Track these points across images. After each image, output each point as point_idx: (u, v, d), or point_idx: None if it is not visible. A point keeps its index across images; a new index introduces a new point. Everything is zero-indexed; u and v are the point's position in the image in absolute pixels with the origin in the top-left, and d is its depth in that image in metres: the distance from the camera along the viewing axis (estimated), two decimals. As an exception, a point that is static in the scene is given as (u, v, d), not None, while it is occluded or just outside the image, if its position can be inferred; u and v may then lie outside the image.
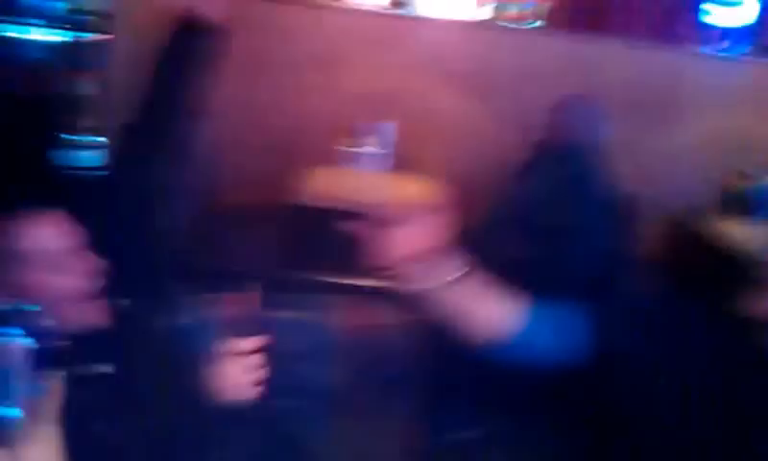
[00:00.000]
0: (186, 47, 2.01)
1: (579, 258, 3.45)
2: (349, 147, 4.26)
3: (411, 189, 4.04)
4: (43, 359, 1.52)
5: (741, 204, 4.46)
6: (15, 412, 1.47)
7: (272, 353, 1.77)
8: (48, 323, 1.54)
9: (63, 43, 4.07)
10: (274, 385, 1.76)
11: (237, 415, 1.74)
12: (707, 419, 1.60)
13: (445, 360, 3.02)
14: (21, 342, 1.47)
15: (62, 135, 3.99)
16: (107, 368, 1.71)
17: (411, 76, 4.49)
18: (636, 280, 3.69)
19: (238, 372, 1.73)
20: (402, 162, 4.32)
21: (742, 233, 4.17)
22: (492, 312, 1.60)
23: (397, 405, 2.17)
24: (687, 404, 1.61)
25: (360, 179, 4.13)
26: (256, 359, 1.74)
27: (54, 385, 1.63)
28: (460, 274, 1.55)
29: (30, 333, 1.48)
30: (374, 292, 2.14)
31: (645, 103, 4.58)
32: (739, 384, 1.60)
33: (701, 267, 4.40)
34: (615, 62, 4.52)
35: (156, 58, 2.02)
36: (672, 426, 1.63)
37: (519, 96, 4.49)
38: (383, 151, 4.25)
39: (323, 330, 2.08)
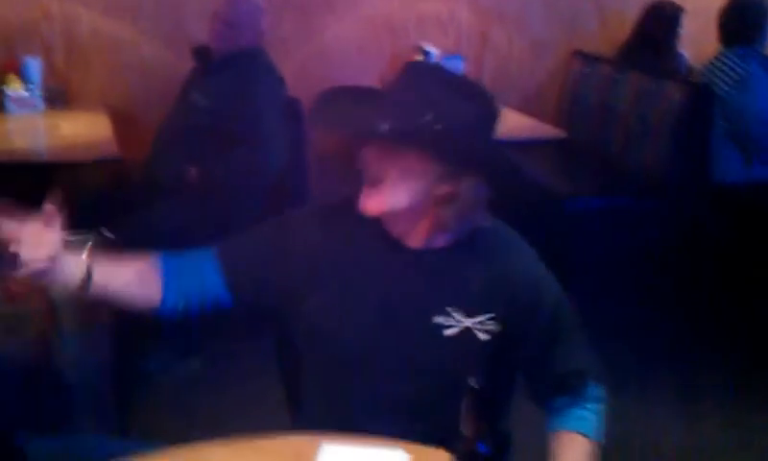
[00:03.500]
0: None
1: (258, 167, 3.44)
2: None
3: (66, 128, 3.77)
4: None
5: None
6: None
7: None
8: None
9: None
10: None
11: None
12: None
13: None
14: None
15: None
16: None
17: (48, 3, 4.15)
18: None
19: None
20: (54, 99, 4.01)
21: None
22: (131, 282, 1.64)
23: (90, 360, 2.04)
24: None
25: (7, 124, 3.78)
26: None
27: None
28: (86, 259, 1.55)
29: None
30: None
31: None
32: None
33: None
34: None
35: None
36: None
37: (166, 8, 4.31)
38: (30, 89, 3.90)
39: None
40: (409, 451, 1.46)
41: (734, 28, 3.95)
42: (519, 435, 1.75)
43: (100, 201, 3.58)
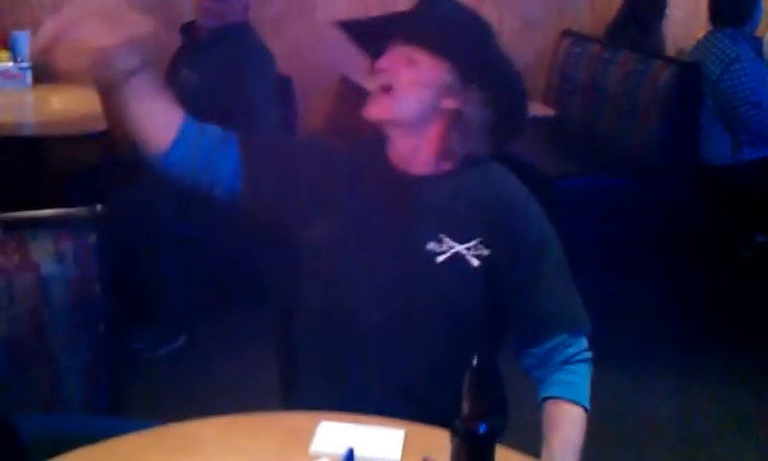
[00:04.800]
0: None
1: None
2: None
3: (56, 102, 3.74)
4: None
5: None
6: None
7: None
8: None
9: None
10: None
11: None
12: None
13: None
14: None
15: None
16: None
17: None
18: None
19: None
20: (43, 73, 3.97)
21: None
22: (157, 113, 1.63)
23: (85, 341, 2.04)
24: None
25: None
26: None
27: None
28: (135, 66, 1.55)
29: None
30: (21, 225, 1.96)
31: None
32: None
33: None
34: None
35: None
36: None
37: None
38: (19, 64, 3.87)
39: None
40: (408, 430, 1.47)
41: (725, 8, 3.95)
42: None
43: (89, 175, 3.57)
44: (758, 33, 4.11)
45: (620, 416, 2.99)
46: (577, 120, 4.60)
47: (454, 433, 1.20)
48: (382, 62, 1.66)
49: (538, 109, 4.41)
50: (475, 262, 1.65)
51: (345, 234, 1.69)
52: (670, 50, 4.83)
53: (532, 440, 1.59)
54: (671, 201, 3.90)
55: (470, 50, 1.66)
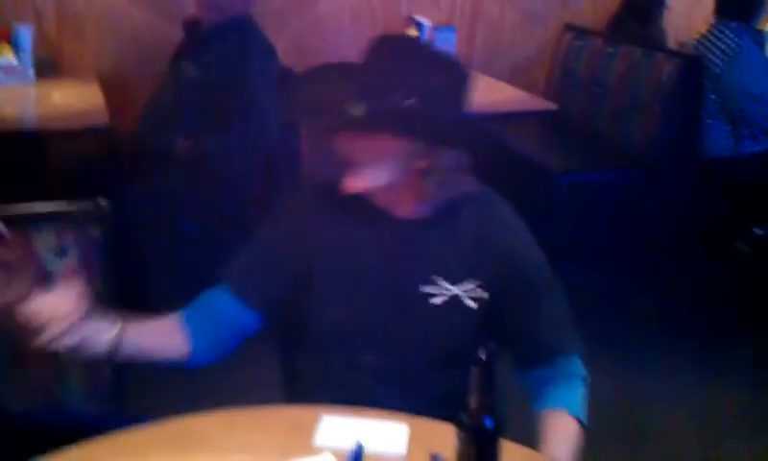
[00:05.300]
0: None
1: (251, 140, 3.43)
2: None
3: (58, 97, 3.74)
4: None
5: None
6: None
7: None
8: None
9: None
10: None
11: None
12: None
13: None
14: None
15: None
16: None
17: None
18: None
19: None
20: (45, 68, 3.97)
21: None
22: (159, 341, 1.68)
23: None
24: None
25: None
26: None
27: None
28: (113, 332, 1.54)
29: None
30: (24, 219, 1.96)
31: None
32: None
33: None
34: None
35: None
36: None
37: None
38: (20, 58, 3.85)
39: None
40: (411, 424, 1.47)
41: (732, 2, 3.94)
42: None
43: (91, 169, 3.57)
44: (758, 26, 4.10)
45: (619, 415, 2.99)
46: (579, 114, 4.59)
47: (460, 427, 1.20)
48: (342, 141, 1.58)
49: (539, 103, 4.39)
50: (472, 304, 1.63)
51: (338, 278, 1.68)
52: (671, 42, 4.81)
53: (528, 438, 1.59)
54: (672, 194, 3.90)
55: (430, 120, 1.56)
